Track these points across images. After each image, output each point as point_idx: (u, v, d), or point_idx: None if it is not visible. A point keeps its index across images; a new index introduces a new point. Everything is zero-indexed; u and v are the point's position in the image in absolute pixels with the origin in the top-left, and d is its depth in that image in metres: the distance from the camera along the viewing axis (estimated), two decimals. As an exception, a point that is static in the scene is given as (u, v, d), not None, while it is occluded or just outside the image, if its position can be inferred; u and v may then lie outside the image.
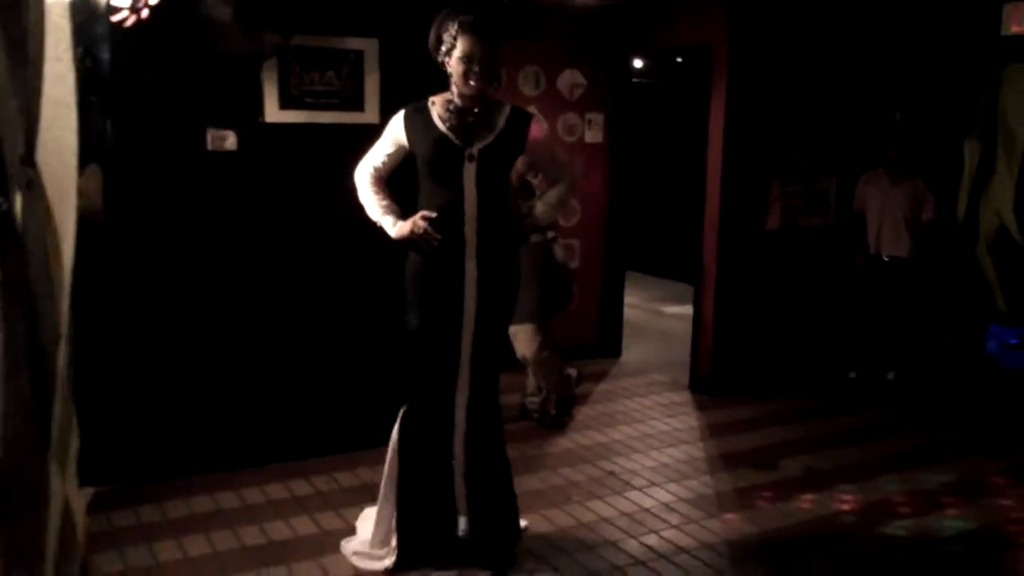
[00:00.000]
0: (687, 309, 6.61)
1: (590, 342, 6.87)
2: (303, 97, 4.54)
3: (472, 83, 3.27)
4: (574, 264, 6.62)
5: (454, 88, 3.34)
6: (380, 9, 4.61)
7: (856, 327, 6.39)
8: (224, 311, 4.48)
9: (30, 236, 1.52)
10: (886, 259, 6.13)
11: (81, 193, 3.13)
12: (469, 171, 3.34)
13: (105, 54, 4.11)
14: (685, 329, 6.52)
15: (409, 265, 3.47)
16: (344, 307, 4.70)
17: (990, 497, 4.51)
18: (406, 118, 3.42)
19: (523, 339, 5.19)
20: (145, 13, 3.94)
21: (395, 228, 3.42)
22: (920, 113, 6.34)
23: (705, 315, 6.13)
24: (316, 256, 4.64)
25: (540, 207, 3.61)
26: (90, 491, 1.95)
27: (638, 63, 7.54)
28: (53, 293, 1.80)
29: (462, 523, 3.66)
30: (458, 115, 3.35)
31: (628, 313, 7.36)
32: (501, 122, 3.39)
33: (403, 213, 3.45)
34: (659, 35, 6.48)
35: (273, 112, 4.48)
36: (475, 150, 3.34)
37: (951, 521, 4.22)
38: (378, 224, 3.48)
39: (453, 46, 3.28)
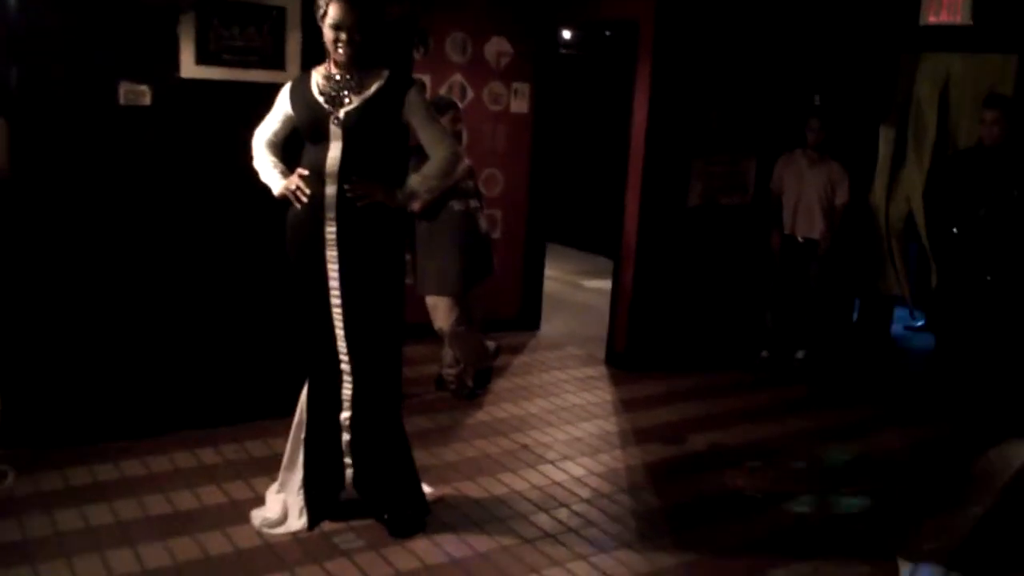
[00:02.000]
0: (607, 283, 6.66)
1: (510, 314, 6.87)
2: (222, 53, 4.39)
3: (340, 51, 3.35)
4: (496, 235, 6.59)
5: (329, 56, 3.43)
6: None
7: (769, 307, 6.52)
8: (133, 274, 4.34)
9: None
10: (800, 240, 6.25)
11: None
12: (335, 134, 3.40)
13: (10, 2, 3.91)
14: (604, 303, 6.57)
15: (286, 225, 3.56)
16: (258, 272, 4.59)
17: (892, 475, 4.66)
18: (291, 88, 3.55)
19: (441, 311, 5.15)
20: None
21: (277, 187, 3.51)
22: (838, 98, 6.46)
23: (623, 290, 6.18)
24: (229, 218, 4.51)
25: (415, 178, 3.56)
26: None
27: (567, 35, 7.51)
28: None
29: (347, 476, 3.74)
30: (330, 81, 3.44)
31: (548, 286, 7.38)
32: (373, 88, 3.42)
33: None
34: (587, 8, 6.45)
35: (190, 67, 4.32)
36: (340, 113, 3.40)
37: (854, 499, 4.35)
38: (264, 181, 3.56)
39: (325, 13, 3.35)
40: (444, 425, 4.90)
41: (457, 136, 5.10)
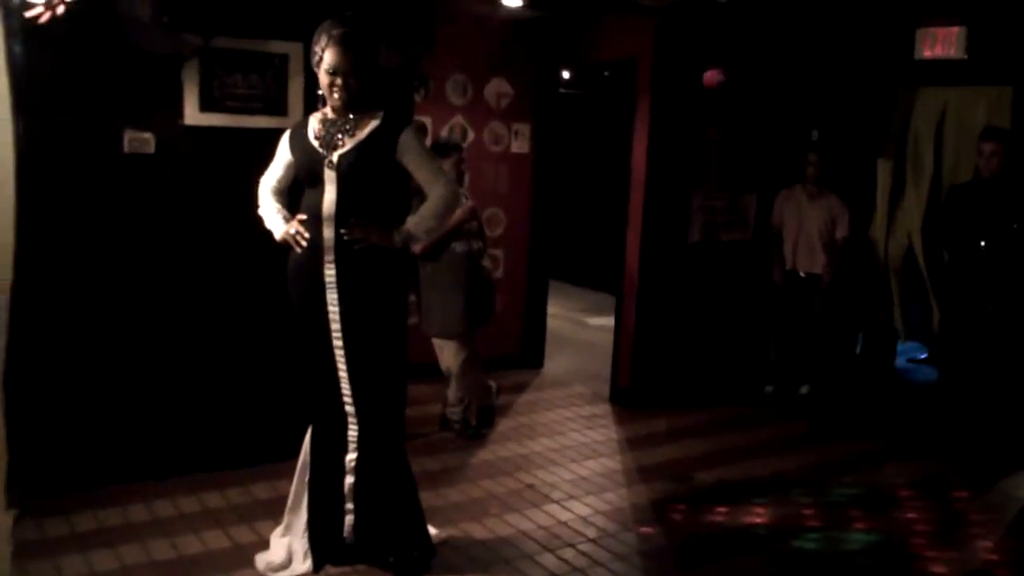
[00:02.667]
0: (610, 320, 6.67)
1: (513, 352, 6.88)
2: (225, 100, 4.45)
3: (335, 95, 3.39)
4: (498, 274, 6.62)
5: (324, 101, 3.47)
6: (305, 13, 4.52)
7: (772, 342, 6.53)
8: (138, 320, 4.36)
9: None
10: (803, 275, 6.27)
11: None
12: (329, 178, 3.42)
13: (17, 48, 3.96)
14: (607, 340, 6.57)
15: (287, 269, 3.60)
16: (263, 317, 4.61)
17: (897, 510, 4.64)
18: (291, 135, 3.59)
19: (449, 352, 5.18)
20: (61, 9, 3.83)
21: (276, 231, 3.57)
22: (837, 132, 6.51)
23: (626, 327, 6.19)
24: (235, 264, 4.54)
25: (411, 220, 3.57)
26: (13, 512, 1.87)
27: (565, 74, 7.58)
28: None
29: (347, 522, 3.68)
30: (325, 125, 3.48)
31: (551, 323, 7.40)
32: (367, 130, 3.44)
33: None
34: (586, 48, 6.53)
35: (193, 115, 4.38)
36: (334, 157, 3.42)
37: (860, 534, 4.33)
38: (269, 228, 3.60)
39: (321, 58, 3.38)
40: (449, 465, 4.89)
41: (460, 178, 5.15)
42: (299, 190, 3.59)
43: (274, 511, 4.05)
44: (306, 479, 3.69)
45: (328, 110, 3.47)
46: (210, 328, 4.52)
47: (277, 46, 4.52)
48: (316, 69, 3.42)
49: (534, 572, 3.78)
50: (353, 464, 3.62)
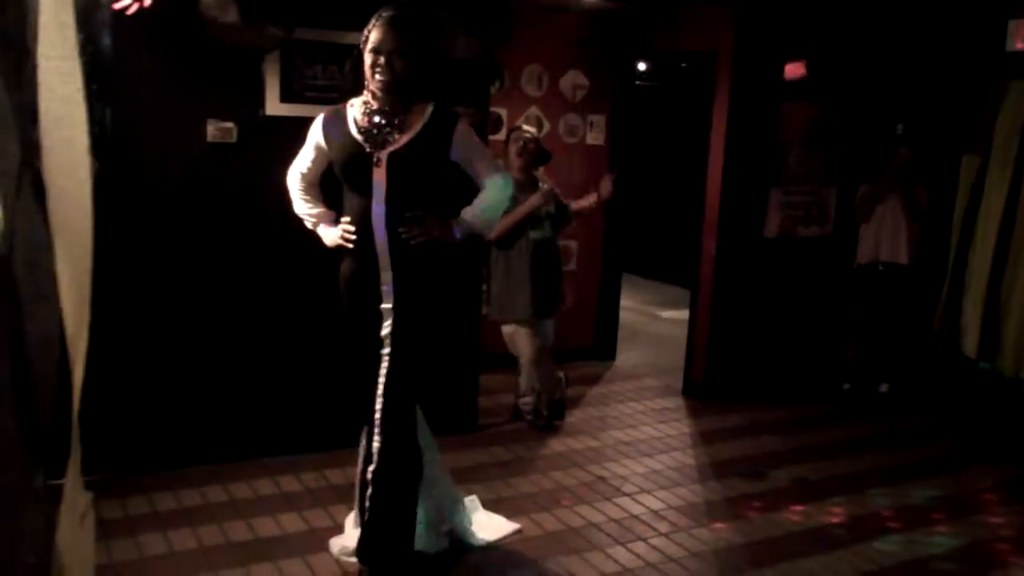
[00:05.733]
0: (683, 314, 6.60)
1: (585, 345, 6.85)
2: (304, 91, 4.52)
3: (378, 76, 3.12)
4: (571, 266, 6.60)
5: (367, 85, 3.20)
6: (382, 3, 4.57)
7: (850, 338, 6.38)
8: (221, 304, 4.46)
9: (18, 237, 1.51)
10: (882, 268, 6.12)
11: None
12: (378, 177, 3.18)
13: (106, 41, 4.08)
14: (680, 334, 6.51)
15: (340, 276, 3.43)
16: (339, 303, 4.66)
17: (980, 514, 4.51)
18: (325, 122, 3.32)
19: (520, 339, 5.18)
20: (148, 1, 3.93)
21: (324, 234, 3.40)
22: (922, 126, 6.32)
23: (700, 321, 6.12)
24: (314, 250, 4.60)
25: (469, 211, 3.37)
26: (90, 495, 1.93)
27: (641, 66, 7.52)
28: (49, 293, 1.78)
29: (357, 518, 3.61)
30: (370, 118, 3.21)
31: (624, 316, 7.35)
32: (418, 125, 3.21)
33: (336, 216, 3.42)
34: (664, 40, 6.46)
35: (274, 105, 4.45)
36: (383, 155, 3.17)
37: (941, 538, 4.21)
38: (312, 229, 3.47)
39: (367, 38, 3.16)
40: (521, 456, 4.90)
41: (528, 163, 5.14)
42: (331, 180, 3.42)
43: (347, 496, 4.10)
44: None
45: (369, 97, 3.20)
46: (288, 314, 4.60)
47: (355, 37, 4.53)
48: (364, 51, 3.20)
49: (605, 565, 3.76)
50: (372, 476, 3.35)
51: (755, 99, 5.85)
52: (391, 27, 3.11)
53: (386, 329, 3.29)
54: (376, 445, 3.33)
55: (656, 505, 4.38)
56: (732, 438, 5.40)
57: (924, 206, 6.02)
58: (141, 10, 3.88)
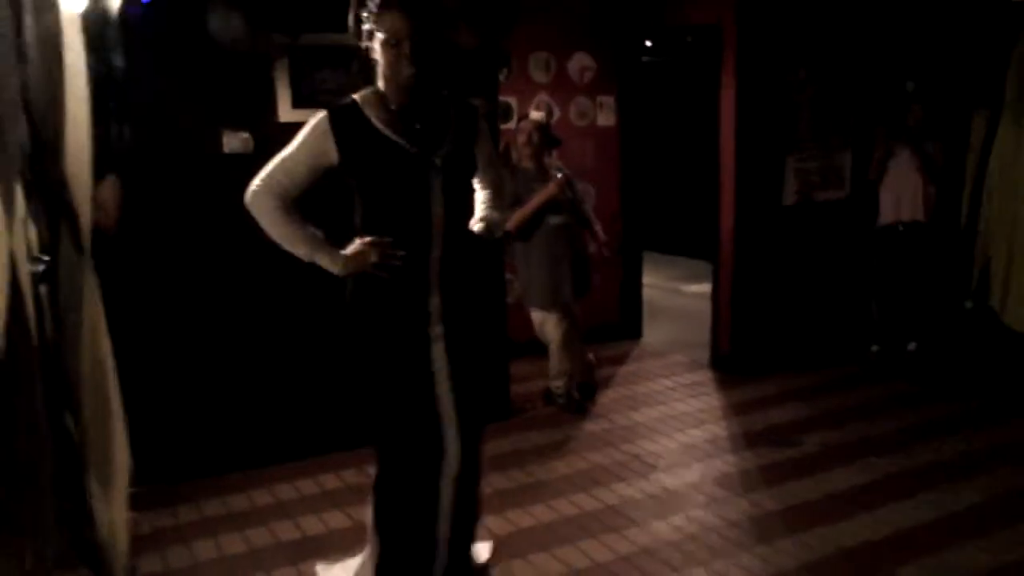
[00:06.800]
0: (707, 287, 6.63)
1: (611, 324, 6.90)
2: (316, 95, 4.57)
3: (404, 69, 2.69)
4: (592, 248, 6.63)
5: (381, 82, 2.78)
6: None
7: (875, 300, 6.39)
8: (252, 311, 4.54)
9: (63, 271, 1.59)
10: (901, 228, 6.12)
11: (98, 205, 3.21)
12: (435, 186, 2.80)
13: (119, 59, 4.16)
14: (705, 308, 6.54)
15: (358, 303, 2.90)
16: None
17: (1010, 466, 4.53)
18: (335, 123, 2.76)
19: (549, 325, 5.24)
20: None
21: (340, 261, 2.82)
22: (932, 82, 6.30)
23: (723, 293, 6.15)
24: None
25: (487, 208, 3.13)
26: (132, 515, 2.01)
27: (648, 43, 7.52)
28: (78, 305, 1.86)
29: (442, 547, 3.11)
30: (403, 116, 2.78)
31: (647, 293, 7.38)
32: (455, 119, 2.89)
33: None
34: (668, 15, 6.46)
35: (287, 111, 4.52)
36: (438, 158, 2.80)
37: (973, 492, 4.23)
38: (308, 260, 2.85)
39: (376, 28, 2.71)
40: (556, 439, 4.96)
41: (538, 151, 5.17)
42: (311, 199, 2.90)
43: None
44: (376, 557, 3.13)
45: (389, 94, 2.78)
46: (317, 319, 4.67)
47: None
48: (369, 45, 2.77)
49: (644, 539, 3.82)
50: (453, 484, 3.02)
51: (762, 68, 5.85)
52: (406, 12, 2.68)
53: (439, 353, 2.90)
54: (454, 450, 2.97)
55: (691, 478, 4.44)
56: (763, 407, 5.43)
57: (939, 160, 6.01)
58: (149, 26, 3.96)
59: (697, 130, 7.43)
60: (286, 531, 3.96)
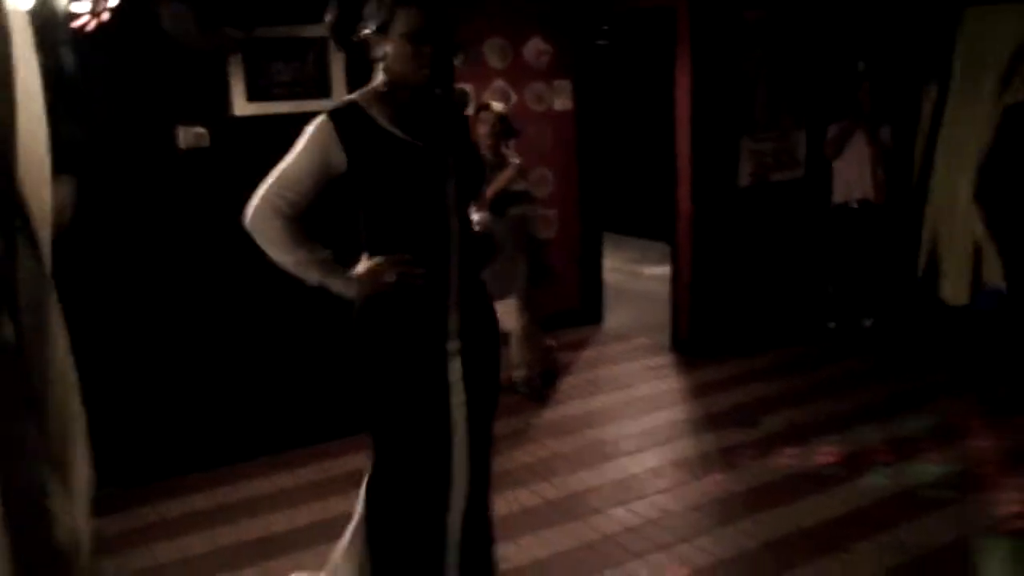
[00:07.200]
0: (667, 270, 6.68)
1: (572, 309, 6.93)
2: (270, 88, 4.54)
3: (423, 70, 2.51)
4: (551, 233, 6.67)
5: (384, 77, 2.56)
6: (341, -5, 4.59)
7: (830, 278, 6.48)
8: (207, 309, 4.51)
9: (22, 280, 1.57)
10: (855, 206, 6.20)
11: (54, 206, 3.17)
12: (450, 191, 2.60)
13: (69, 60, 4.09)
14: (664, 290, 6.60)
15: (370, 321, 2.65)
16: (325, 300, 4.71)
17: (965, 439, 4.64)
18: (339, 125, 2.51)
19: (511, 314, 5.25)
20: (105, 16, 3.94)
21: (355, 285, 2.57)
22: (882, 61, 6.37)
23: (682, 276, 6.20)
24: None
25: (484, 216, 3.13)
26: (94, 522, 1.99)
27: (604, 27, 7.53)
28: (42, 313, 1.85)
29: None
30: (410, 115, 2.58)
31: (608, 277, 7.43)
32: (457, 118, 2.77)
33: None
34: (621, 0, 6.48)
35: (242, 105, 4.48)
36: (452, 161, 2.61)
37: (931, 466, 4.34)
38: (318, 285, 2.58)
39: (389, 20, 2.48)
40: (517, 428, 4.99)
41: (497, 139, 5.20)
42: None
43: (349, 483, 4.17)
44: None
45: (391, 91, 2.56)
46: (272, 316, 4.65)
47: (315, 30, 4.58)
48: (373, 38, 2.53)
49: (607, 525, 3.87)
50: (460, 520, 2.82)
51: (716, 51, 5.89)
52: (431, 9, 2.48)
53: (455, 370, 2.68)
54: (462, 485, 2.76)
55: (654, 462, 4.49)
56: (723, 389, 5.51)
57: (889, 144, 6.10)
58: (100, 25, 3.90)
59: (654, 113, 7.47)
60: (250, 529, 3.95)
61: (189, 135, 4.35)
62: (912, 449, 4.54)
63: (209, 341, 4.54)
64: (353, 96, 2.60)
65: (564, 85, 6.68)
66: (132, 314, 4.36)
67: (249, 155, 4.47)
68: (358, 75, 4.59)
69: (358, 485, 4.02)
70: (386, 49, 2.51)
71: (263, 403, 4.68)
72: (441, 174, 2.58)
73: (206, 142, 4.38)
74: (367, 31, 2.52)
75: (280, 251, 2.54)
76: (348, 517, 3.90)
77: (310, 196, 2.54)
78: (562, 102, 6.70)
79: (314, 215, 2.59)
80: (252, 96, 4.50)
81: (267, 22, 4.43)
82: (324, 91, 4.64)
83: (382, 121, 2.54)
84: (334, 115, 2.53)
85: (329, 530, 3.86)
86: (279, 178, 2.55)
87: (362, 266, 2.58)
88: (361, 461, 4.13)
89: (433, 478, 2.73)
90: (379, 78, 2.57)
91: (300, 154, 2.54)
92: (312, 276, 2.55)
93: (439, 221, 2.59)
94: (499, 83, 6.38)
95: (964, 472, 4.28)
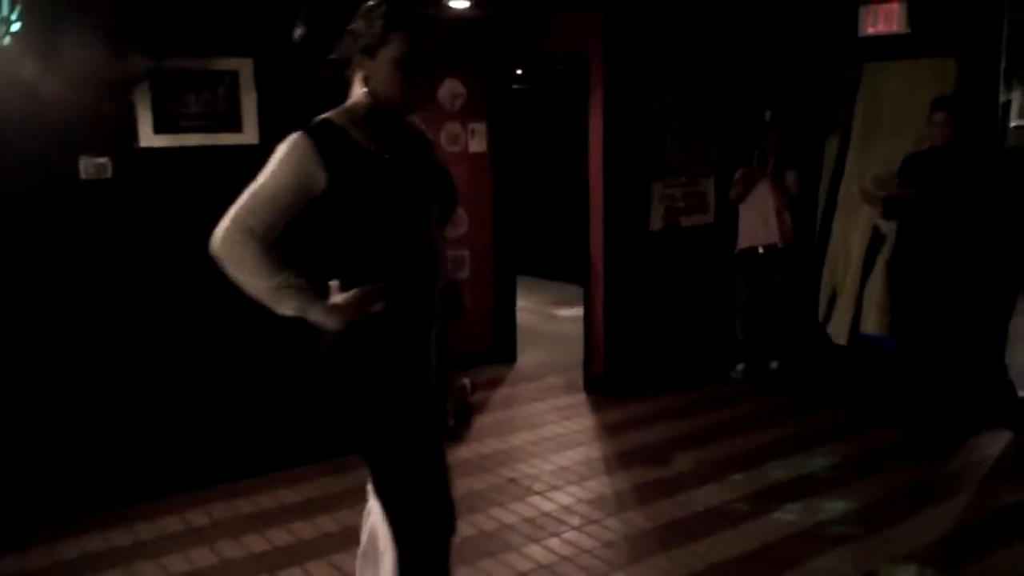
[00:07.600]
0: (579, 311, 6.73)
1: (486, 349, 6.92)
2: (178, 120, 4.46)
3: (411, 98, 2.47)
4: (465, 274, 6.67)
5: (364, 98, 2.48)
6: (253, 29, 4.55)
7: (738, 321, 6.61)
8: (116, 339, 4.37)
9: None
10: (761, 251, 6.35)
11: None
12: (433, 211, 2.59)
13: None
14: (578, 331, 6.63)
15: (349, 353, 2.50)
16: (243, 327, 4.61)
17: (871, 475, 4.75)
18: (321, 146, 2.36)
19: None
20: (7, 41, 3.83)
21: (336, 316, 2.40)
22: (787, 112, 6.59)
23: (595, 317, 6.25)
24: (207, 282, 4.54)
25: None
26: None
27: (518, 71, 7.62)
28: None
29: None
30: (392, 137, 2.51)
31: (521, 318, 7.45)
32: (422, 139, 2.69)
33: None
34: (537, 45, 6.58)
35: (148, 136, 4.39)
36: (427, 178, 2.58)
37: (837, 502, 4.41)
38: (294, 316, 2.39)
39: (379, 43, 2.41)
40: (430, 466, 4.92)
41: None
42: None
43: (260, 521, 4.07)
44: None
45: (369, 111, 2.47)
46: (182, 349, 4.53)
47: (226, 63, 4.53)
48: (356, 56, 2.46)
49: (521, 564, 3.83)
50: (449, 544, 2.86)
51: (628, 98, 6.01)
52: (423, 36, 2.46)
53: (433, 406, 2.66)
54: (452, 525, 2.81)
55: (566, 500, 4.47)
56: (635, 428, 5.54)
57: (795, 190, 6.28)
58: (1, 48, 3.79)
59: (568, 156, 7.56)
60: (147, 572, 3.80)
61: (90, 166, 4.23)
62: (818, 485, 4.62)
63: (114, 377, 4.38)
64: (327, 115, 2.46)
65: (479, 127, 6.74)
66: (36, 345, 4.19)
67: (155, 187, 4.43)
68: (270, 110, 4.60)
69: (264, 524, 3.94)
70: (370, 71, 2.44)
71: (164, 442, 4.53)
72: (425, 195, 2.55)
73: (108, 173, 4.26)
74: (352, 52, 2.45)
75: (255, 277, 2.32)
76: (253, 559, 3.81)
77: (287, 217, 2.36)
78: (477, 144, 6.74)
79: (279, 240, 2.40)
80: (160, 128, 4.41)
81: (178, 52, 4.36)
82: (235, 125, 4.58)
83: (361, 141, 2.43)
84: (311, 131, 2.39)
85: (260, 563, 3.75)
86: (252, 198, 2.35)
87: (342, 295, 2.42)
88: (265, 500, 4.03)
89: (435, 480, 2.69)
90: (359, 99, 2.49)
91: (275, 173, 2.36)
92: (288, 304, 2.35)
93: (423, 243, 2.53)
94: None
95: (868, 507, 4.37)
